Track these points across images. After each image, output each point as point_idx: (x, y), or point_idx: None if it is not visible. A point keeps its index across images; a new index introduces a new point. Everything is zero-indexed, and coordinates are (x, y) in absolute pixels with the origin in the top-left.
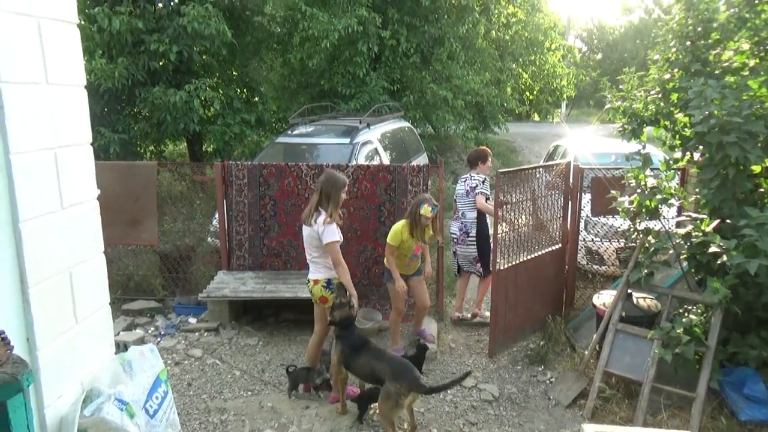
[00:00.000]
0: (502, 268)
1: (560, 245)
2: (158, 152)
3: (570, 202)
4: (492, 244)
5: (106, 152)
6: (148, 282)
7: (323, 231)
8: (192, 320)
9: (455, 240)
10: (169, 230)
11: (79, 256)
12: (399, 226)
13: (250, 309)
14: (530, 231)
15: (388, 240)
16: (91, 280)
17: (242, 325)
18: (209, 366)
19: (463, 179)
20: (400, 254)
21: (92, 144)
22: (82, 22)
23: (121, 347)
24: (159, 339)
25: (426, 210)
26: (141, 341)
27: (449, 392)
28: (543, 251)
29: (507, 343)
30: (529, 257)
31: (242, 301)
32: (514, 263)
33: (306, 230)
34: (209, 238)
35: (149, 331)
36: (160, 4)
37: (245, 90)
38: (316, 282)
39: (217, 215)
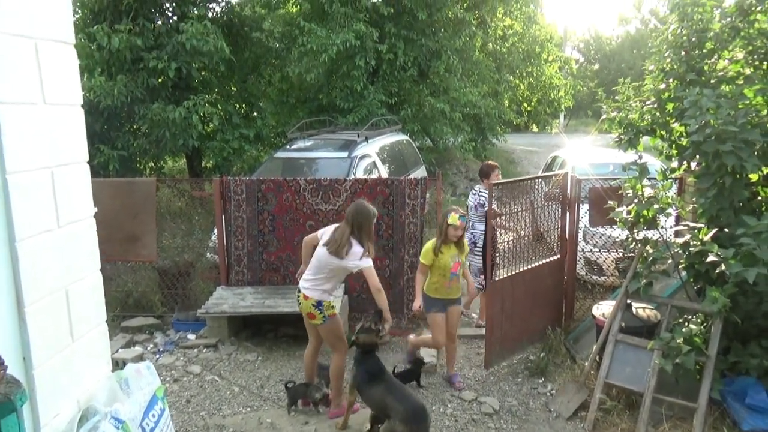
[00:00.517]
0: (497, 278)
1: (559, 256)
2: (157, 168)
3: (568, 213)
4: (485, 256)
5: (106, 169)
6: (147, 298)
7: (360, 259)
8: (191, 336)
9: None
10: (168, 246)
11: (76, 274)
12: (430, 244)
13: (250, 324)
14: (528, 241)
15: (420, 258)
16: (88, 298)
17: (241, 340)
18: (208, 382)
19: (474, 192)
20: (438, 274)
21: (92, 161)
22: (82, 41)
23: (120, 365)
24: (158, 356)
25: (454, 218)
26: (139, 358)
27: (449, 406)
28: (541, 262)
29: (504, 354)
30: (526, 268)
31: (241, 317)
32: (510, 274)
33: (327, 256)
34: (208, 254)
35: (148, 348)
36: (159, 22)
37: (244, 105)
38: (306, 298)
39: (215, 231)
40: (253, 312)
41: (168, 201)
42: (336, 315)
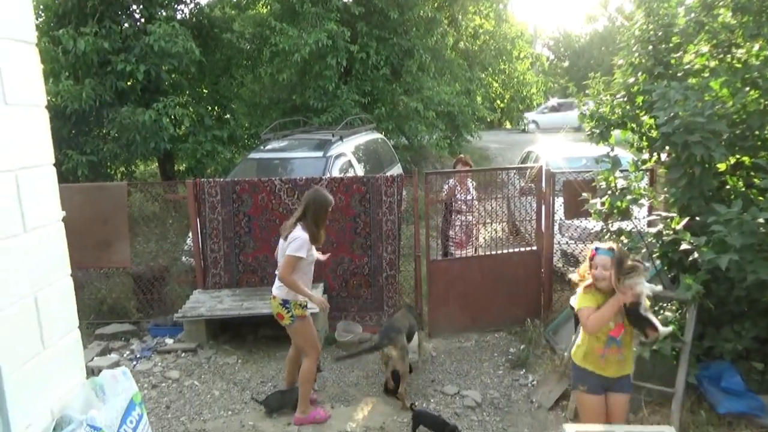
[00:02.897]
0: (437, 259)
1: (535, 248)
2: (129, 173)
3: (543, 206)
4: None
5: (75, 175)
6: (121, 305)
7: (290, 243)
8: (169, 341)
9: None
10: (142, 251)
11: (45, 279)
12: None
13: (228, 327)
14: (491, 231)
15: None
16: (59, 304)
17: (220, 344)
18: (187, 387)
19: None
20: (591, 336)
21: (60, 167)
22: (46, 44)
23: (95, 373)
24: (135, 362)
25: (589, 252)
26: (115, 365)
27: (432, 400)
28: (505, 251)
29: (452, 329)
30: (484, 254)
31: (220, 320)
32: (459, 257)
33: (281, 243)
34: (183, 258)
35: (124, 355)
36: (126, 24)
37: (216, 107)
38: (274, 297)
39: (190, 234)
40: (231, 315)
41: (140, 205)
42: (306, 316)
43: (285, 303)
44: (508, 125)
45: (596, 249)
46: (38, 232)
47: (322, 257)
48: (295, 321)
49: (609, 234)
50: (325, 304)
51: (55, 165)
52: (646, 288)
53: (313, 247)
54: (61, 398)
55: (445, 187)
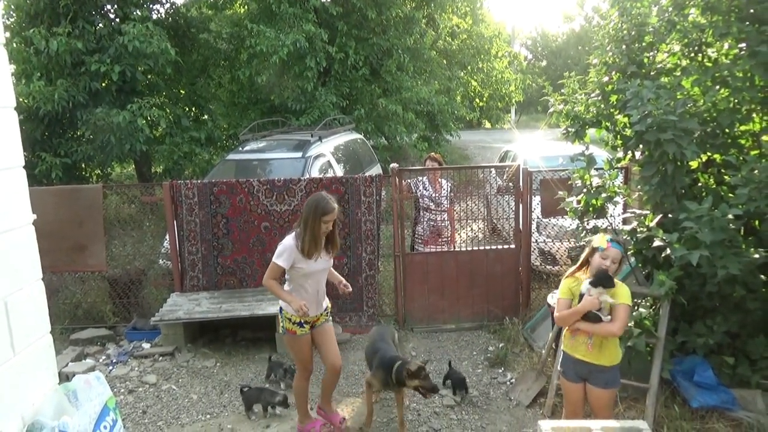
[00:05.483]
0: (412, 252)
1: (512, 246)
2: (104, 175)
3: (521, 205)
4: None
5: (49, 178)
6: (97, 309)
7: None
8: (146, 346)
9: None
10: (118, 254)
11: (15, 284)
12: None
13: (206, 330)
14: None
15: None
16: (29, 309)
17: (198, 347)
18: (165, 392)
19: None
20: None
21: (33, 170)
22: (18, 45)
23: (69, 379)
24: (111, 367)
25: (602, 240)
26: (91, 371)
27: (412, 400)
28: (482, 247)
29: (424, 319)
30: (458, 249)
31: (198, 323)
32: (432, 251)
33: None
34: (160, 260)
35: (100, 360)
36: (100, 24)
37: (193, 108)
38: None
39: (168, 236)
40: (210, 317)
41: (117, 208)
42: (294, 333)
43: (280, 311)
44: (487, 125)
45: (610, 240)
46: (8, 235)
47: (337, 280)
48: (284, 333)
49: (585, 232)
50: (301, 309)
51: (28, 168)
52: (609, 300)
53: (313, 259)
54: (32, 404)
55: (410, 182)
